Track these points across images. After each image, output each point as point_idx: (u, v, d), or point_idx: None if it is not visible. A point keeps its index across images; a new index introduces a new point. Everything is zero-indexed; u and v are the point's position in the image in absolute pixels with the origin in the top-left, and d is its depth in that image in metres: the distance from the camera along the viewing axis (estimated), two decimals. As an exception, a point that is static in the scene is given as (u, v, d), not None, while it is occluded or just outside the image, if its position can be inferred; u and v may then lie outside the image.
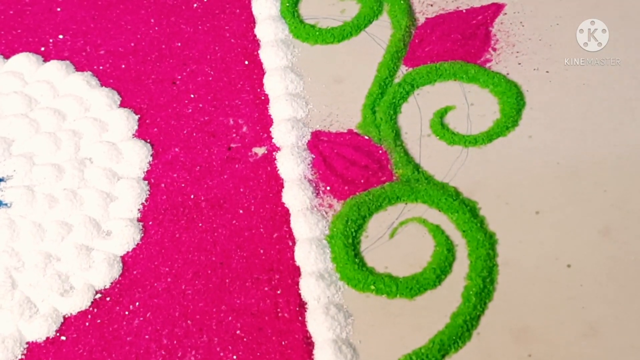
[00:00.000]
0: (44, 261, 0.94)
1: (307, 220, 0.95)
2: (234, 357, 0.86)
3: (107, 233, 0.97)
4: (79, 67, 1.14)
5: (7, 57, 1.16)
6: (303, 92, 1.08)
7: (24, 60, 1.14)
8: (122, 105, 1.10)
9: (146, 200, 1.00)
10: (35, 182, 1.01)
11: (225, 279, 0.92)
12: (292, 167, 1.01)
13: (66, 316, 0.91)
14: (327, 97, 1.08)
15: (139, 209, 0.99)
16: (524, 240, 0.92)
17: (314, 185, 0.99)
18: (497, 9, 1.14)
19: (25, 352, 0.89)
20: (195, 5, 1.20)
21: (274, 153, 1.03)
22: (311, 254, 0.92)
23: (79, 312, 0.91)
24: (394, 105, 1.05)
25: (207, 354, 0.87)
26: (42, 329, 0.90)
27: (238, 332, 0.88)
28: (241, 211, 0.98)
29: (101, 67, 1.14)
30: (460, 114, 1.03)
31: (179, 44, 1.16)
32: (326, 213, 0.96)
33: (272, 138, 1.04)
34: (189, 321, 0.89)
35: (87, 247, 0.96)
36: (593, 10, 1.11)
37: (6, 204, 1.00)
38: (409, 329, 0.86)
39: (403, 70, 1.08)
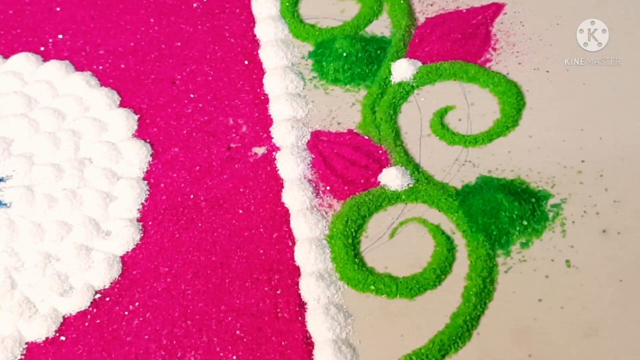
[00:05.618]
0: (44, 261, 0.94)
1: (307, 220, 0.95)
2: (234, 357, 0.86)
3: (106, 233, 0.97)
4: (79, 67, 1.14)
5: (6, 57, 1.16)
6: (303, 92, 1.08)
7: (23, 60, 1.14)
8: (122, 105, 1.10)
9: (146, 200, 1.00)
10: (35, 182, 1.01)
11: (225, 279, 0.92)
12: (292, 167, 1.00)
13: (66, 316, 0.91)
14: (327, 97, 1.08)
15: (138, 209, 0.99)
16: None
17: (314, 185, 0.99)
18: (497, 8, 1.14)
19: (24, 352, 0.89)
20: (195, 5, 1.20)
21: (273, 153, 1.03)
22: (311, 254, 0.92)
23: (78, 312, 0.91)
24: (394, 105, 1.05)
25: (207, 354, 0.87)
26: (41, 329, 0.90)
27: (238, 332, 0.88)
28: (241, 211, 0.98)
29: (101, 67, 1.14)
30: (460, 114, 1.03)
31: (179, 44, 1.15)
32: (326, 213, 0.96)
33: (272, 138, 1.04)
34: (188, 321, 0.89)
35: (86, 247, 0.96)
36: (593, 10, 1.11)
37: (6, 204, 0.99)
38: (409, 329, 0.86)
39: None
